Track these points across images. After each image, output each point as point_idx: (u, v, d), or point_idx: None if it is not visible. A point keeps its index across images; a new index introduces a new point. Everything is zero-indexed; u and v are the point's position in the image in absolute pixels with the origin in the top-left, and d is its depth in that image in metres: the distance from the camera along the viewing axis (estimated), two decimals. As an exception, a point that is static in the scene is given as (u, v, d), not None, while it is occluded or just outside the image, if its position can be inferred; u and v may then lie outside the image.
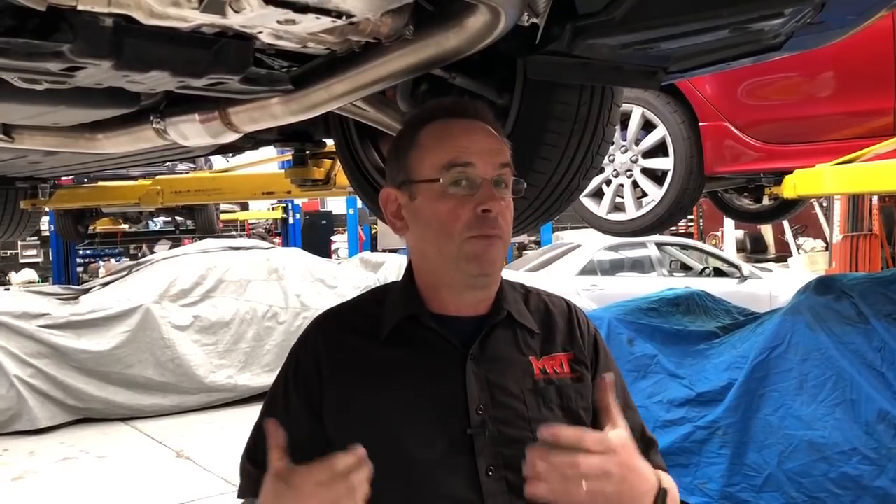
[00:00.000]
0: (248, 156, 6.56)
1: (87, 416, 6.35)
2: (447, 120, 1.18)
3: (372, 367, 1.16)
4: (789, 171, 3.58)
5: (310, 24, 1.16)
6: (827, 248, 13.30)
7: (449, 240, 1.14)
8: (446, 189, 1.14)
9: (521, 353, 1.20)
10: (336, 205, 18.03)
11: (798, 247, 15.99)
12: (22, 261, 16.74)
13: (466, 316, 1.20)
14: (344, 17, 1.15)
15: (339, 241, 17.05)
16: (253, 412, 1.29)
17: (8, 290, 12.17)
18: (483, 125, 1.18)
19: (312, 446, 1.12)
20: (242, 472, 1.21)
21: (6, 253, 16.94)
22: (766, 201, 5.15)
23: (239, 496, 1.22)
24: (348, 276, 7.94)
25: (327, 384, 1.16)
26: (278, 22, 1.14)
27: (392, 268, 8.05)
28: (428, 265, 1.20)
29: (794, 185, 3.50)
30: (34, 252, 16.82)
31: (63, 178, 7.01)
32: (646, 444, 1.25)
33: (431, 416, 1.13)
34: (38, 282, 14.20)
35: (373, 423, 1.13)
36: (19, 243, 16.21)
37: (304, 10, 1.09)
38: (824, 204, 12.90)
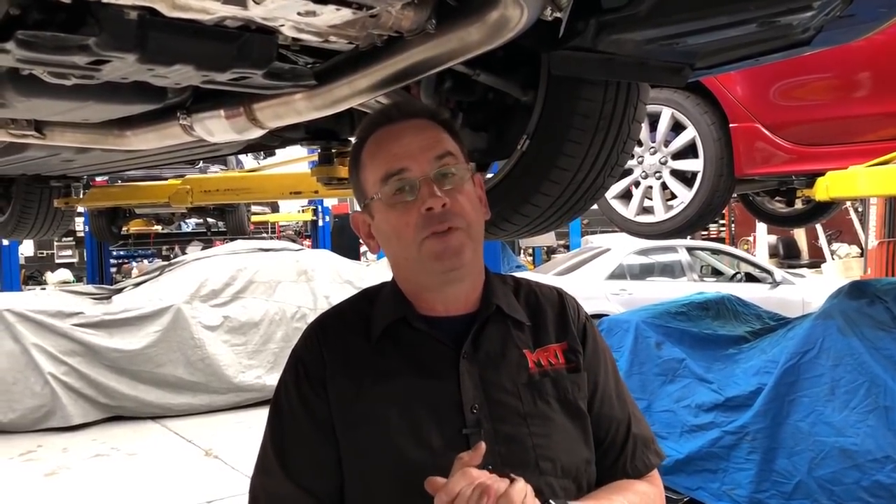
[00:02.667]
0: (278, 156, 6.63)
1: (119, 414, 6.44)
2: (382, 130, 1.20)
3: (368, 368, 1.17)
4: (822, 174, 3.51)
5: (330, 16, 1.16)
6: (862, 254, 13.05)
7: (408, 247, 1.16)
8: (390, 200, 1.15)
9: (514, 346, 1.20)
10: (365, 208, 18.06)
11: (832, 252, 15.73)
12: (58, 261, 17.07)
13: (456, 315, 1.20)
14: (364, 9, 1.15)
15: (368, 243, 17.08)
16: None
17: (44, 289, 12.43)
18: (415, 123, 1.19)
19: (334, 438, 1.15)
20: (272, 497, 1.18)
21: (42, 253, 17.28)
22: (798, 204, 5.07)
23: None
24: (376, 278, 7.97)
25: (329, 384, 1.17)
26: (299, 14, 1.14)
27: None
28: (404, 273, 1.22)
29: (827, 188, 3.43)
30: (69, 252, 17.14)
31: (97, 179, 7.13)
32: (628, 440, 1.23)
33: (427, 417, 1.13)
34: (73, 281, 14.44)
35: (370, 424, 1.13)
36: (55, 244, 16.56)
37: (325, 1, 1.10)
38: (859, 209, 12.67)
